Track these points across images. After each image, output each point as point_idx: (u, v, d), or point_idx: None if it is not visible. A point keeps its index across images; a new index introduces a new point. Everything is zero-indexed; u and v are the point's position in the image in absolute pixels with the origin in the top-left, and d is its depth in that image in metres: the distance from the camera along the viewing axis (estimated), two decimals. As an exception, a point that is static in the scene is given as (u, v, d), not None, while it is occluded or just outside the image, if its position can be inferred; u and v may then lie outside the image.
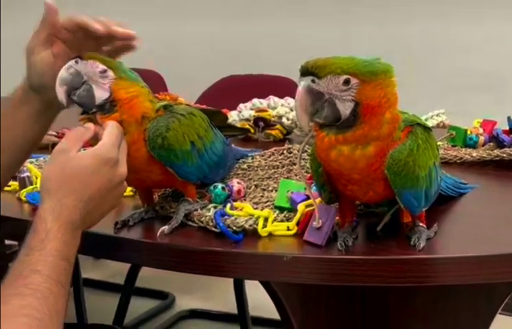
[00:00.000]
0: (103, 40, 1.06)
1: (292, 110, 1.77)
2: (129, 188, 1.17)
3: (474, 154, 1.50)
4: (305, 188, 1.03)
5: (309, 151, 1.05)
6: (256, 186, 1.23)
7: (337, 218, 1.02)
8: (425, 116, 1.82)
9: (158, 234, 1.03)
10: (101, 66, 1.01)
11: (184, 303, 2.86)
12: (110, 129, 0.98)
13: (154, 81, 3.24)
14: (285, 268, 0.95)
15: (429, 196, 1.00)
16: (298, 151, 1.00)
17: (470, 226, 1.11)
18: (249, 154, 1.38)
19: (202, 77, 3.16)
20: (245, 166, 1.33)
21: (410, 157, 0.93)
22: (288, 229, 1.02)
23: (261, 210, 1.08)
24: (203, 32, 3.94)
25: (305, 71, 0.90)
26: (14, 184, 1.29)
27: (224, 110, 2.08)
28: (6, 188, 1.29)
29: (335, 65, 0.89)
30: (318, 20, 3.66)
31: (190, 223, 1.07)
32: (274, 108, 1.81)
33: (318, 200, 1.01)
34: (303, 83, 0.90)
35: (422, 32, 3.40)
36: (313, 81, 0.89)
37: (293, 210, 1.05)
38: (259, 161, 1.36)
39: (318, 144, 0.94)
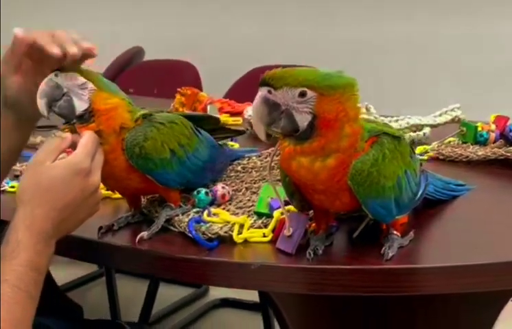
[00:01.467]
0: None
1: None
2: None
3: (480, 153, 1.48)
4: (282, 196, 1.03)
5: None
6: (247, 188, 1.24)
7: (313, 225, 1.03)
8: (440, 112, 1.79)
9: (137, 239, 1.05)
10: (81, 79, 1.04)
11: (217, 292, 2.89)
12: (84, 140, 1.00)
13: (188, 72, 3.28)
14: (253, 276, 0.96)
15: (401, 204, 0.99)
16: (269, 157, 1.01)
17: (455, 233, 1.09)
18: (245, 155, 1.39)
19: (234, 69, 3.18)
20: (239, 167, 1.34)
21: (373, 168, 0.93)
22: (264, 235, 1.03)
23: (244, 214, 1.09)
24: (237, 24, 3.96)
25: (263, 82, 0.90)
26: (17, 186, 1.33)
27: (246, 104, 2.10)
28: (9, 189, 1.34)
29: (292, 77, 0.89)
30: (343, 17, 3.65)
31: (172, 228, 1.09)
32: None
33: (291, 208, 1.02)
34: (259, 94, 0.91)
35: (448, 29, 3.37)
36: (269, 91, 0.90)
37: (271, 216, 1.06)
38: (255, 162, 1.36)
39: (281, 154, 0.95)
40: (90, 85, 1.04)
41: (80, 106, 1.04)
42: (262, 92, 0.90)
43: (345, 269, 0.95)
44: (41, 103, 1.04)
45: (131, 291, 2.72)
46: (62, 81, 1.04)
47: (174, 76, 3.25)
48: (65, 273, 2.70)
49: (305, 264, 0.95)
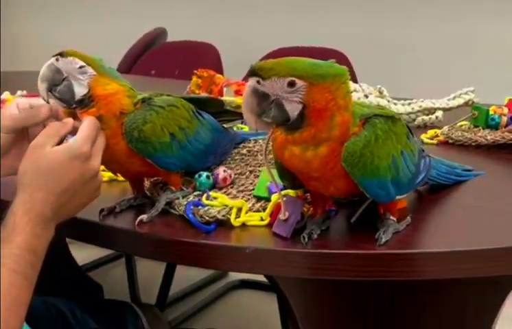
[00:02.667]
0: None
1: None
2: (108, 174, 1.21)
3: (489, 137, 1.46)
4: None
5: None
6: (250, 172, 1.24)
7: (311, 208, 1.03)
8: (454, 94, 1.77)
9: (137, 222, 1.06)
10: (80, 63, 1.05)
11: (236, 273, 2.91)
12: (84, 125, 1.00)
13: (209, 54, 3.29)
14: (247, 260, 0.96)
15: (401, 185, 0.98)
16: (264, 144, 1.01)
17: (454, 218, 1.09)
18: (251, 138, 1.39)
19: (255, 50, 3.17)
20: (244, 150, 1.35)
21: (366, 149, 0.92)
22: (261, 219, 1.03)
23: (244, 198, 1.10)
24: (259, 4, 3.95)
25: (252, 72, 0.90)
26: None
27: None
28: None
29: (281, 67, 0.89)
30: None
31: (172, 210, 1.10)
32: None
33: (289, 192, 1.02)
34: (248, 84, 0.91)
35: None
36: (258, 82, 0.90)
37: (270, 200, 1.06)
38: (261, 145, 1.37)
39: (274, 143, 0.95)
40: (90, 70, 1.05)
41: (80, 91, 1.05)
42: (251, 82, 0.90)
43: (338, 254, 0.95)
44: (41, 87, 1.05)
45: (151, 272, 2.74)
46: (62, 66, 1.05)
47: (195, 57, 3.27)
48: (86, 253, 2.75)
49: (300, 249, 0.95)
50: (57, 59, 1.06)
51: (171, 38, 3.71)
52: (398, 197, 1.00)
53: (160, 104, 1.09)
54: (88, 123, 1.01)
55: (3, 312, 0.87)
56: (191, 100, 1.19)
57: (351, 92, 1.77)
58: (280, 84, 0.89)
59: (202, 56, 3.25)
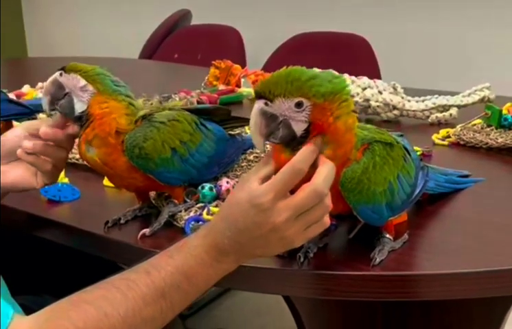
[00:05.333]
0: None
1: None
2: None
3: (500, 140, 1.45)
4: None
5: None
6: (256, 180, 1.25)
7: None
8: (469, 91, 1.75)
9: (139, 236, 1.08)
10: (82, 82, 1.07)
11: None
12: (279, 174, 0.88)
13: (232, 38, 3.29)
14: (246, 278, 0.98)
15: (395, 207, 0.99)
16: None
17: (452, 235, 1.07)
18: (259, 144, 1.39)
19: (276, 33, 3.17)
20: (251, 157, 1.35)
21: (364, 175, 0.93)
22: (261, 236, 1.04)
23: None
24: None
25: (258, 94, 0.91)
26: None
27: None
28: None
29: (288, 88, 0.88)
30: None
31: (175, 223, 1.12)
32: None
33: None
34: (256, 106, 0.91)
35: None
36: (266, 103, 0.90)
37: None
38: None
39: (275, 160, 0.95)
40: (91, 88, 1.07)
41: (80, 107, 1.08)
42: (259, 104, 0.90)
43: (331, 275, 0.95)
44: (44, 101, 1.10)
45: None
46: (65, 82, 1.08)
47: (218, 41, 3.27)
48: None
49: (296, 268, 0.97)
50: (60, 75, 1.09)
51: (195, 20, 3.72)
52: (391, 219, 1.00)
53: (161, 120, 1.10)
54: (278, 176, 0.88)
55: (114, 319, 0.85)
56: (197, 111, 1.21)
57: (365, 88, 1.78)
58: (287, 105, 0.89)
59: (224, 40, 3.26)
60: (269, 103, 0.90)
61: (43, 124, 1.11)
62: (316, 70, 0.93)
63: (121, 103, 1.08)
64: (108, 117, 1.07)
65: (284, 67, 0.91)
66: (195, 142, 1.15)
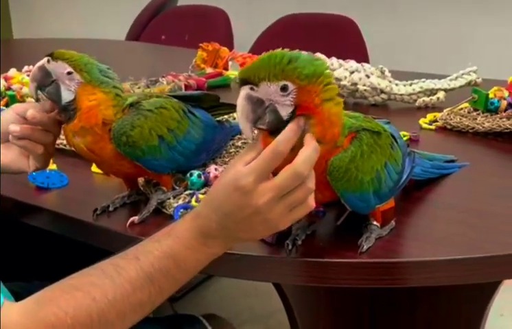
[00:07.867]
0: None
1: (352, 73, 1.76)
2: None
3: (486, 124, 1.46)
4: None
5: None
6: (244, 165, 1.25)
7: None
8: (456, 75, 1.76)
9: (128, 223, 1.09)
10: (68, 69, 1.07)
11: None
12: (257, 161, 0.87)
13: (219, 19, 3.28)
14: (234, 266, 0.99)
15: (382, 195, 1.00)
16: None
17: (438, 222, 1.08)
18: (247, 129, 1.39)
19: (265, 14, 3.16)
20: (239, 143, 1.35)
21: (352, 164, 0.94)
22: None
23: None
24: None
25: (243, 81, 0.90)
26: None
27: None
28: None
29: (272, 72, 0.88)
30: None
31: (164, 210, 1.12)
32: (332, 70, 1.75)
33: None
34: (242, 93, 0.90)
35: None
36: (252, 88, 0.90)
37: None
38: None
39: (263, 145, 0.95)
40: (77, 77, 1.07)
41: (67, 96, 1.07)
42: (244, 90, 0.89)
43: (318, 262, 0.96)
44: (31, 87, 1.10)
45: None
46: (52, 69, 1.08)
47: (206, 22, 3.26)
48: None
49: (283, 255, 0.97)
50: (48, 61, 1.08)
51: (182, 1, 3.70)
52: (378, 206, 1.01)
53: (149, 108, 1.10)
54: (261, 159, 0.87)
55: (103, 305, 0.86)
56: (184, 98, 1.21)
57: (353, 72, 1.77)
58: (273, 89, 0.88)
59: (212, 21, 3.24)
60: (255, 88, 0.89)
61: (31, 107, 1.11)
62: (298, 51, 0.93)
63: (108, 95, 1.08)
64: (95, 109, 1.07)
65: (267, 51, 0.91)
66: (183, 130, 1.15)
